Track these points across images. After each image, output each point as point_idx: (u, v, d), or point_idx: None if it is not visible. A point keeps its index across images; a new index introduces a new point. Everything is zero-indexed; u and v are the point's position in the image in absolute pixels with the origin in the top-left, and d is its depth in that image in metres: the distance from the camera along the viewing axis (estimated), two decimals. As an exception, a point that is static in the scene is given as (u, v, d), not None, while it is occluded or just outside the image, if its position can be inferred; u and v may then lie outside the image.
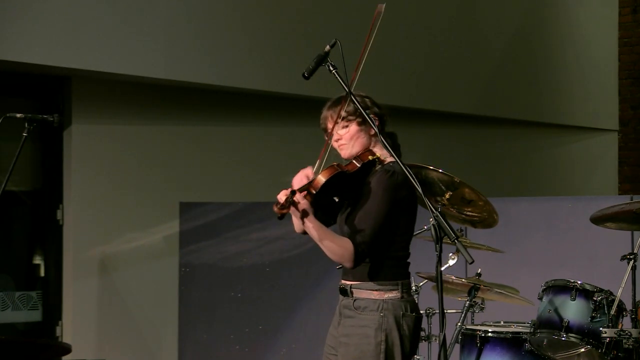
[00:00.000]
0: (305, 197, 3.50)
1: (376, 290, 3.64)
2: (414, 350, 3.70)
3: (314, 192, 3.52)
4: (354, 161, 3.66)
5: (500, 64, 9.59)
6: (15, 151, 4.30)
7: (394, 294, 3.64)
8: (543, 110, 10.26)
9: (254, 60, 7.23)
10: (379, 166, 3.70)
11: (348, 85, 3.60)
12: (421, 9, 8.64)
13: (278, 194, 3.52)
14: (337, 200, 3.74)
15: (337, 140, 3.72)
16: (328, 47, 3.61)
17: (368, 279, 3.65)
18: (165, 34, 6.68)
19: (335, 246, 3.56)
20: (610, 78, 11.31)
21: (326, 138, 3.73)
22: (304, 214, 3.49)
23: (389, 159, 3.72)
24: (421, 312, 3.79)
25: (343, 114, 3.68)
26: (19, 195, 6.77)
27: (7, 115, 4.37)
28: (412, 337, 3.67)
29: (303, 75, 3.60)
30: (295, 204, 3.47)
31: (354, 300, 3.67)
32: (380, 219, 3.59)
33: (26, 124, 4.35)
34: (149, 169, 7.12)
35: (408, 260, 3.73)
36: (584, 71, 10.88)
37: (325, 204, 3.69)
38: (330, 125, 3.71)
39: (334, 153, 3.74)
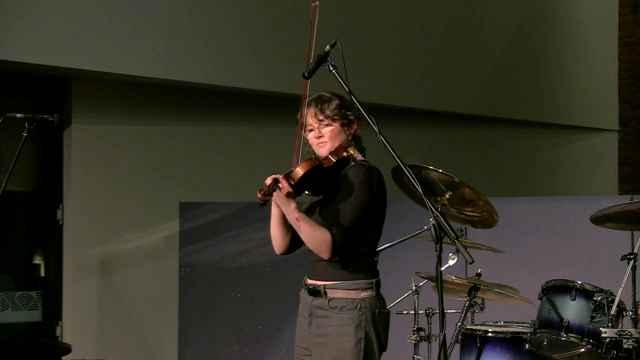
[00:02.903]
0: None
1: (353, 289, 3.71)
2: (386, 345, 3.80)
3: (292, 183, 3.62)
4: (329, 156, 3.73)
5: (500, 64, 9.59)
6: (15, 151, 4.29)
7: (369, 293, 3.73)
8: (543, 110, 10.27)
9: (254, 60, 7.23)
10: (353, 163, 3.77)
11: (348, 85, 3.61)
12: (421, 9, 8.64)
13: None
14: (309, 194, 3.80)
15: (317, 138, 3.78)
16: (328, 47, 3.62)
17: (344, 279, 3.72)
18: (165, 34, 6.68)
19: (315, 235, 3.64)
20: (610, 78, 11.32)
21: (306, 134, 3.80)
22: (286, 199, 3.58)
23: (360, 158, 3.81)
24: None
25: (329, 113, 3.75)
26: (19, 195, 6.77)
27: (7, 115, 4.37)
28: (386, 332, 3.78)
29: (303, 75, 3.62)
30: (279, 189, 3.57)
31: (329, 300, 3.72)
32: (357, 213, 3.68)
33: (26, 124, 4.35)
34: (149, 169, 7.12)
35: (376, 259, 3.82)
36: (584, 71, 10.89)
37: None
38: (311, 121, 3.78)
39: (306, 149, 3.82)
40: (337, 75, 3.59)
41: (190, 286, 6.97)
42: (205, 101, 7.41)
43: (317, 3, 3.68)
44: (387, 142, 3.55)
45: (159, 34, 6.64)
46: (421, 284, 4.93)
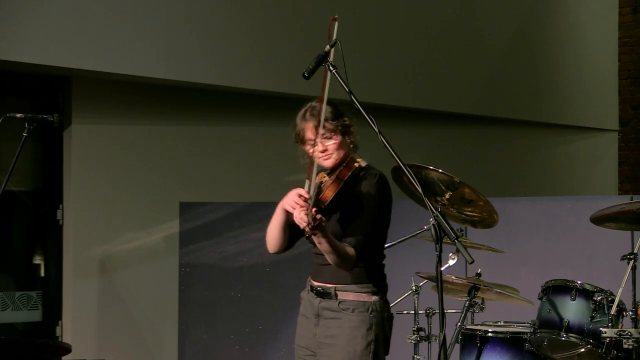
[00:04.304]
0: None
1: (365, 292, 3.73)
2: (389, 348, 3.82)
3: (322, 207, 3.61)
4: (344, 169, 3.70)
5: (500, 64, 9.59)
6: (15, 151, 4.29)
7: (379, 296, 3.76)
8: (543, 110, 10.27)
9: (254, 60, 7.23)
10: (362, 172, 3.76)
11: (348, 85, 3.60)
12: (421, 9, 8.64)
13: (285, 201, 3.60)
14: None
15: (322, 151, 3.74)
16: (328, 47, 3.61)
17: (355, 282, 3.73)
18: (165, 34, 6.68)
19: (343, 256, 3.63)
20: (610, 78, 11.32)
21: (308, 148, 3.75)
22: (324, 230, 3.55)
23: (364, 163, 3.78)
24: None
25: (329, 126, 3.71)
26: (19, 195, 6.77)
27: (7, 115, 4.37)
28: (390, 335, 3.81)
29: (303, 75, 3.60)
30: (320, 221, 3.51)
31: (339, 302, 3.73)
32: (372, 224, 3.71)
33: (26, 124, 4.35)
34: (149, 169, 7.12)
35: (383, 262, 3.83)
36: (584, 71, 10.89)
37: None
38: (311, 136, 3.73)
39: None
40: (337, 76, 3.58)
41: (190, 286, 6.97)
42: (205, 101, 7.41)
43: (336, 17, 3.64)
44: (387, 142, 3.55)
45: (159, 34, 6.64)
46: (421, 284, 4.93)
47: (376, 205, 3.71)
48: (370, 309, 3.70)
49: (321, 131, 3.70)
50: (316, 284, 3.81)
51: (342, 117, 3.75)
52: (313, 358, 3.80)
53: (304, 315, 3.85)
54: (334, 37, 3.62)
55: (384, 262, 3.84)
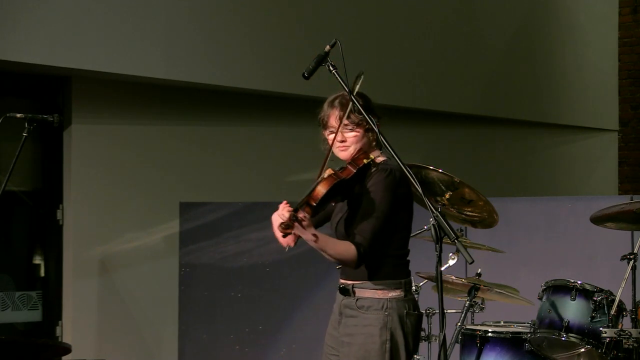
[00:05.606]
0: (305, 210, 3.52)
1: (380, 289, 3.66)
2: (416, 347, 3.74)
3: (314, 204, 3.54)
4: (349, 166, 3.66)
5: (500, 64, 9.59)
6: (15, 151, 4.30)
7: (397, 293, 3.67)
8: (543, 110, 10.27)
9: (254, 60, 7.23)
10: (374, 168, 3.71)
11: (348, 86, 3.60)
12: (421, 9, 8.64)
13: (278, 202, 3.58)
14: (333, 204, 3.76)
15: (340, 141, 3.73)
16: (328, 47, 3.61)
17: (371, 279, 3.67)
18: (165, 34, 6.68)
19: (339, 252, 3.58)
20: (610, 78, 11.32)
21: (325, 134, 3.75)
22: (304, 229, 3.51)
23: (380, 159, 3.74)
24: (422, 311, 3.81)
25: (354, 119, 3.69)
26: (19, 195, 6.77)
27: (7, 115, 4.38)
28: (415, 334, 3.71)
29: (303, 75, 3.60)
30: (299, 222, 3.48)
31: (357, 299, 3.68)
32: (381, 219, 3.61)
33: (26, 124, 4.35)
34: (149, 169, 7.12)
35: (408, 258, 3.75)
36: (584, 71, 10.89)
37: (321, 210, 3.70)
38: (334, 124, 3.72)
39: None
40: (337, 76, 3.58)
41: (190, 286, 6.97)
42: (205, 101, 7.41)
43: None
44: (387, 142, 3.55)
45: (159, 34, 6.64)
46: (421, 284, 4.93)
47: (385, 201, 3.61)
48: (384, 307, 3.63)
49: (345, 121, 3.68)
50: (341, 281, 3.77)
51: (371, 112, 3.68)
52: (337, 358, 3.76)
53: (333, 312, 3.82)
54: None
55: (408, 258, 3.74)
